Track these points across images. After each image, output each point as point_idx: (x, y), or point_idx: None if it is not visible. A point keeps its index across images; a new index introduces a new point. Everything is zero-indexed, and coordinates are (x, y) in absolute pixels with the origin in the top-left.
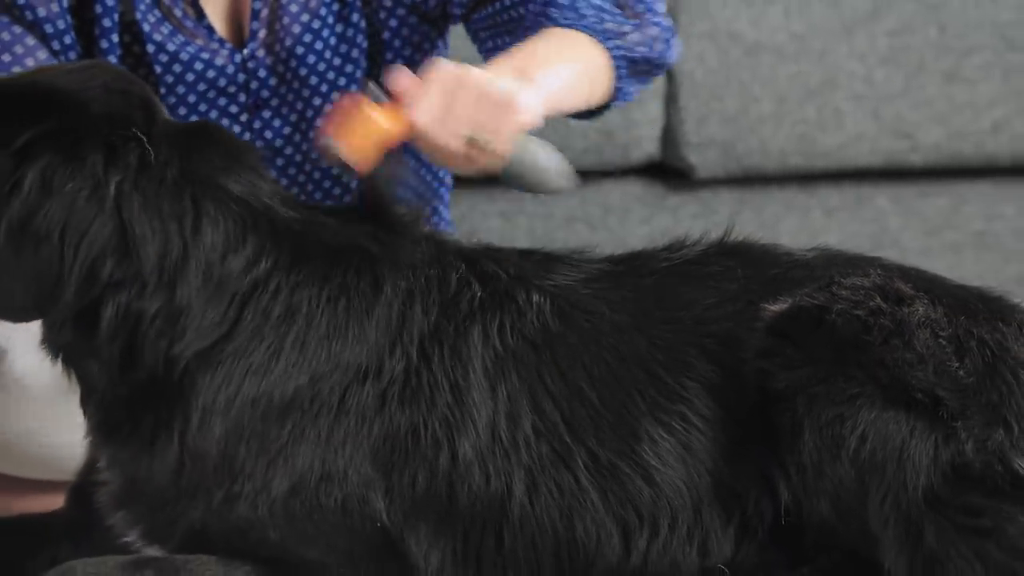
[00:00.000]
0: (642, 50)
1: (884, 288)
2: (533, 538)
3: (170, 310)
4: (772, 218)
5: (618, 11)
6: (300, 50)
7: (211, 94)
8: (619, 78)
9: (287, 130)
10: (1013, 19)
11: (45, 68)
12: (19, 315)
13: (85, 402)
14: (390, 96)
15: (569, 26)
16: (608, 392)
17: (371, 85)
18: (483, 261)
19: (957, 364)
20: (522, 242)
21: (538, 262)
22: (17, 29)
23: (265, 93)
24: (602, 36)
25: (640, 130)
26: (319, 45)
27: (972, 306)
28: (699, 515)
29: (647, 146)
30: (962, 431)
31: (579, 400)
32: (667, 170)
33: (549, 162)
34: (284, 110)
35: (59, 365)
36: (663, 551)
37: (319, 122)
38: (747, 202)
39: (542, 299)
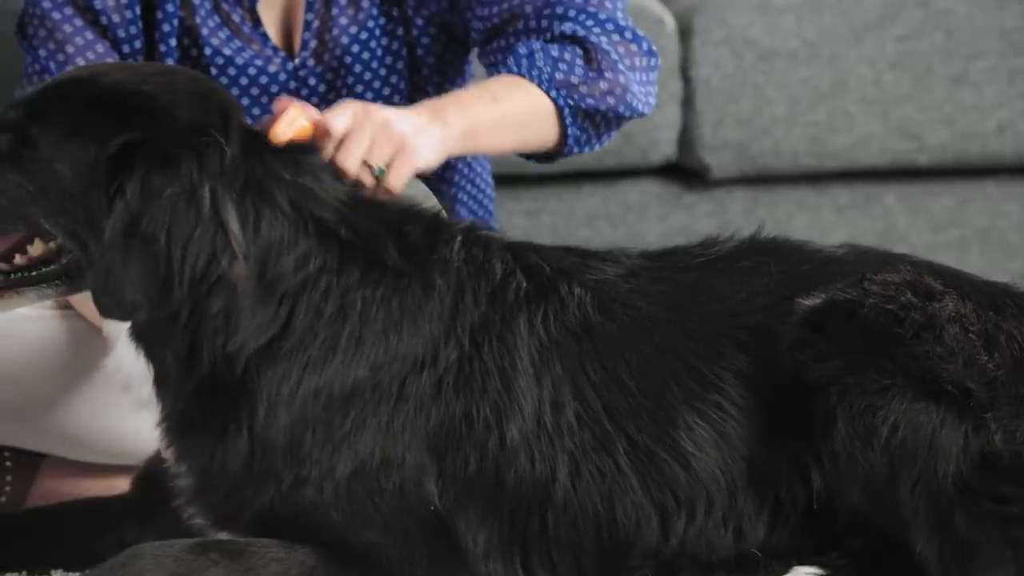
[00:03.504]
0: (591, 102)
1: (914, 284)
2: (575, 520)
3: (227, 307)
4: (784, 216)
5: (582, 64)
6: (348, 60)
7: (263, 100)
8: (567, 125)
9: None
10: (1018, 25)
11: (125, 66)
12: (128, 313)
13: (161, 394)
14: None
15: (520, 73)
16: (646, 381)
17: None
18: (527, 254)
19: (986, 358)
20: (545, 238)
21: (580, 257)
22: (90, 34)
23: (314, 100)
24: (548, 85)
25: (658, 132)
26: (366, 56)
27: (1000, 302)
28: (734, 500)
29: (665, 148)
30: (991, 422)
31: (619, 388)
32: (683, 170)
33: (420, 196)
34: None
35: (140, 353)
36: (699, 534)
37: None
38: (760, 201)
39: (584, 292)
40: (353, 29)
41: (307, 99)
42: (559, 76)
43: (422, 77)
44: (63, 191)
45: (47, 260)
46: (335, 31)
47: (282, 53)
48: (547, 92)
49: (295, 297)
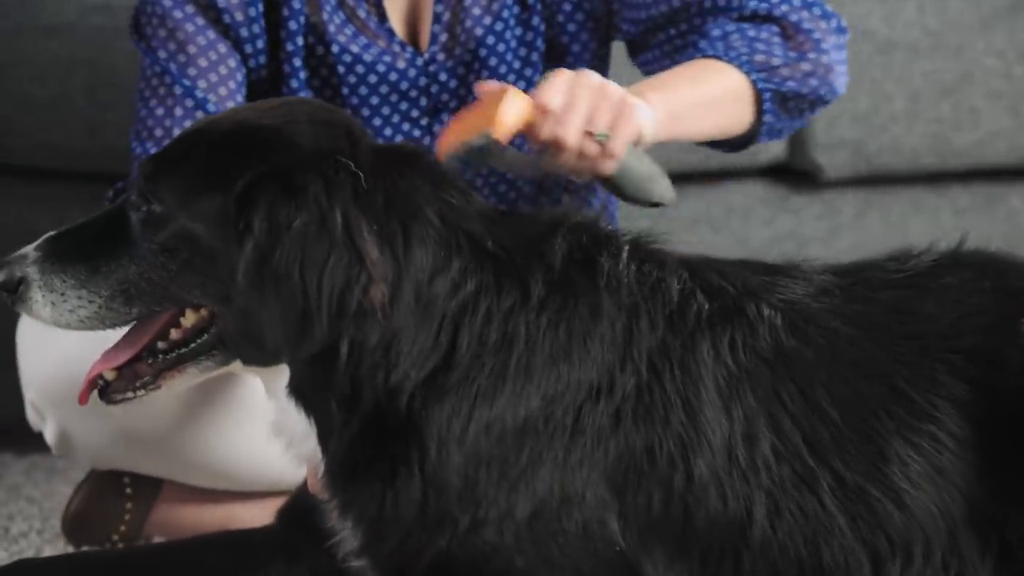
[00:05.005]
0: (792, 85)
1: None
2: (775, 564)
3: (385, 337)
4: (899, 219)
5: (780, 43)
6: (483, 52)
7: (393, 97)
8: (764, 111)
9: None
10: None
11: (243, 108)
12: (271, 358)
13: (323, 444)
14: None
15: (715, 56)
16: (851, 411)
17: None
18: (705, 272)
19: None
20: None
21: (760, 273)
22: (211, 33)
23: (444, 96)
24: (748, 68)
25: None
26: (501, 48)
27: None
28: (954, 542)
29: (774, 147)
30: None
31: (820, 419)
32: (791, 171)
33: (656, 173)
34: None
35: (300, 407)
36: None
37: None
38: (872, 203)
39: (773, 314)
40: (488, 20)
41: (437, 96)
42: (759, 58)
43: (565, 65)
44: (202, 253)
45: (203, 329)
46: (468, 22)
47: (410, 48)
48: (747, 75)
49: (455, 322)
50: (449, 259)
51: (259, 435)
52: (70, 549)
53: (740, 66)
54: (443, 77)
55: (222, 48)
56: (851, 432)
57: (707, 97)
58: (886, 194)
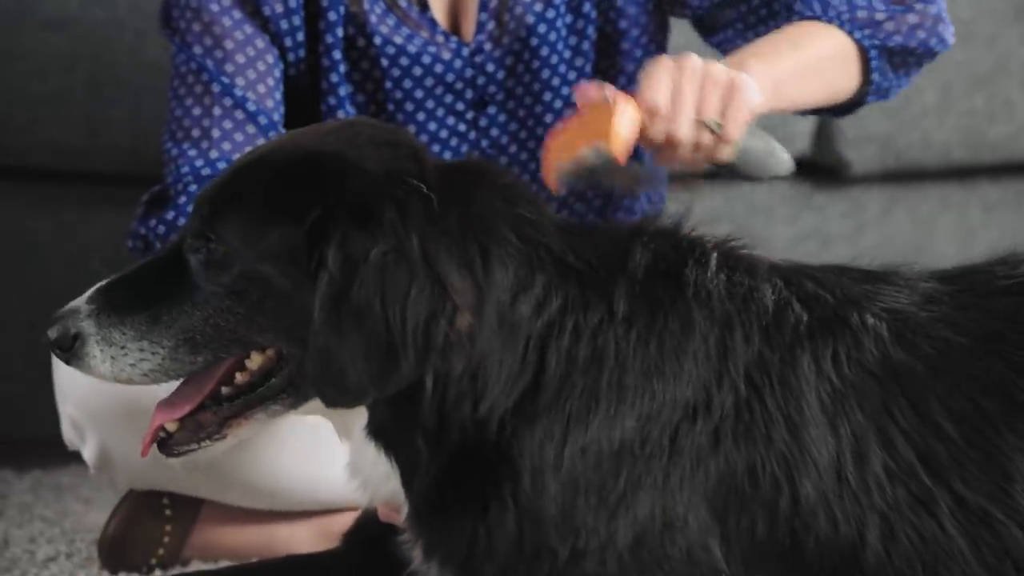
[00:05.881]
0: (898, 39)
1: None
2: None
3: (471, 365)
4: (927, 216)
5: None
6: (534, 41)
7: (438, 90)
8: (872, 70)
9: (513, 126)
10: None
11: (300, 132)
12: (355, 399)
13: (407, 484)
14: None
15: (814, 17)
16: (969, 426)
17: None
18: (800, 279)
19: None
20: None
21: (859, 280)
22: (249, 27)
23: (492, 88)
24: (851, 26)
25: (794, 125)
26: (552, 36)
27: None
28: None
29: (798, 143)
30: None
31: (936, 436)
32: (815, 167)
33: (773, 146)
34: (511, 105)
35: (380, 449)
36: None
37: (551, 121)
38: (899, 200)
39: (879, 324)
40: (538, 6)
41: (483, 88)
42: (860, 14)
43: (620, 52)
44: (273, 294)
45: (270, 372)
46: (518, 9)
47: (454, 38)
48: (850, 34)
49: (542, 342)
50: (531, 277)
51: (309, 452)
52: (105, 574)
53: (842, 25)
54: (490, 68)
55: (260, 43)
56: (970, 449)
57: (812, 61)
58: (913, 190)
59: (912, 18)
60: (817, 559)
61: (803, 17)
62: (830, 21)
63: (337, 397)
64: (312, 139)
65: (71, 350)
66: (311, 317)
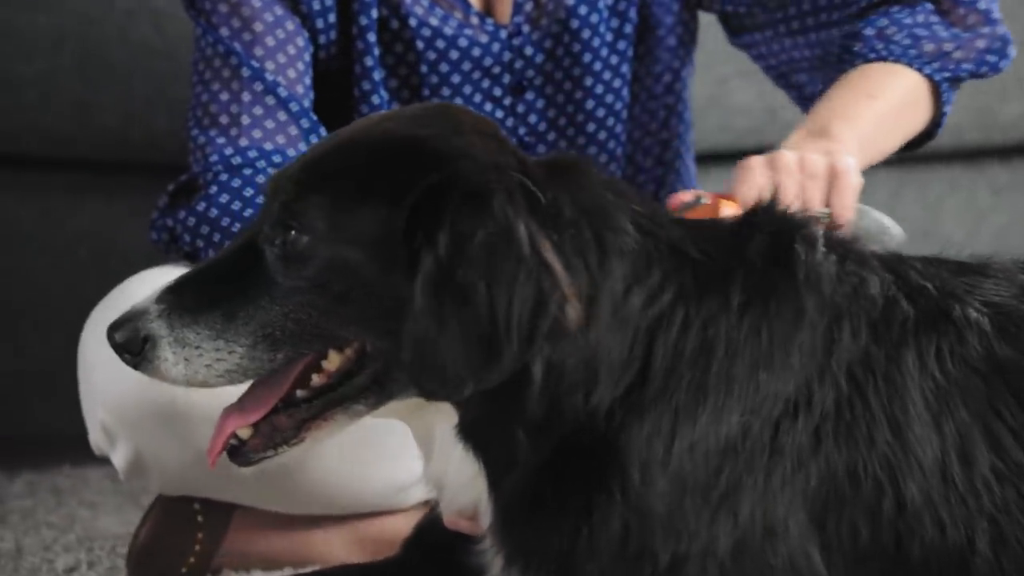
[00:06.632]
0: (967, 67)
1: None
2: None
3: (585, 355)
4: (934, 199)
5: (940, 21)
6: (575, 23)
7: (475, 75)
8: (943, 103)
9: (551, 113)
10: None
11: (385, 117)
12: (454, 388)
13: (495, 485)
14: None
15: (879, 59)
16: None
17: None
18: (905, 271)
19: None
20: None
21: (955, 272)
22: (279, 9)
23: (530, 73)
24: (919, 63)
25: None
26: (595, 18)
27: None
28: None
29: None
30: None
31: None
32: None
33: (883, 222)
34: (549, 90)
35: (468, 449)
36: None
37: (592, 108)
38: (906, 183)
39: (980, 318)
40: None
41: (521, 72)
42: (927, 47)
43: (655, 38)
44: (361, 283)
45: (349, 371)
46: None
47: (490, 20)
48: (919, 70)
49: (651, 334)
50: (648, 269)
51: (349, 453)
52: None
53: (910, 63)
54: (529, 51)
55: (290, 25)
56: None
57: (889, 110)
58: (920, 173)
59: (980, 43)
60: (922, 565)
61: (868, 59)
62: (897, 60)
63: (436, 388)
64: (404, 123)
65: (140, 354)
66: (402, 306)
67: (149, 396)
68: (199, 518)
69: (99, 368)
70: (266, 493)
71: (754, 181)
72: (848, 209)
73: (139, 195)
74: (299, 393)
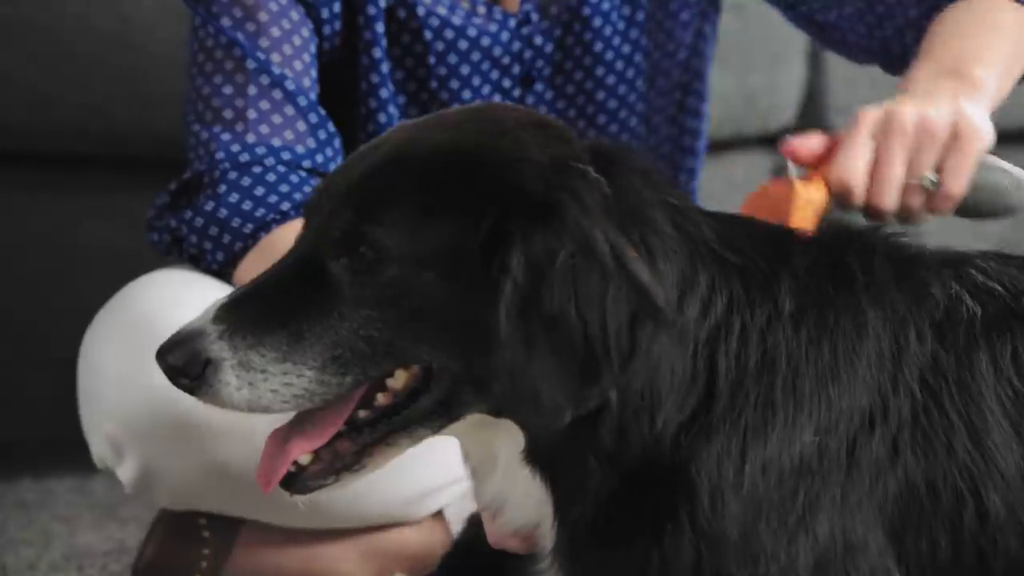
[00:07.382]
0: None
1: None
2: None
3: (648, 375)
4: None
5: None
6: (586, 11)
7: (484, 66)
8: None
9: (561, 104)
10: None
11: (423, 122)
12: (552, 418)
13: (563, 512)
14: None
15: None
16: None
17: (789, 166)
18: (967, 270)
19: None
20: None
21: (1019, 268)
22: None
23: (540, 63)
24: None
25: (780, 95)
26: (605, 5)
27: None
28: None
29: (785, 113)
30: None
31: None
32: None
33: (1012, 179)
34: (559, 81)
35: (536, 474)
36: None
37: (602, 99)
38: None
39: None
40: None
41: (530, 63)
42: None
43: (677, 24)
44: (431, 301)
45: (414, 392)
46: None
47: (499, 9)
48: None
49: (711, 347)
50: (695, 274)
51: None
52: None
53: None
54: (539, 41)
55: (295, 15)
56: None
57: (1008, 48)
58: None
59: None
60: None
61: None
62: None
63: (534, 418)
64: (446, 130)
65: (200, 377)
66: (476, 326)
67: (162, 409)
68: (205, 533)
69: (106, 378)
70: (274, 508)
71: (856, 156)
72: (962, 175)
73: (99, 191)
74: (361, 415)
